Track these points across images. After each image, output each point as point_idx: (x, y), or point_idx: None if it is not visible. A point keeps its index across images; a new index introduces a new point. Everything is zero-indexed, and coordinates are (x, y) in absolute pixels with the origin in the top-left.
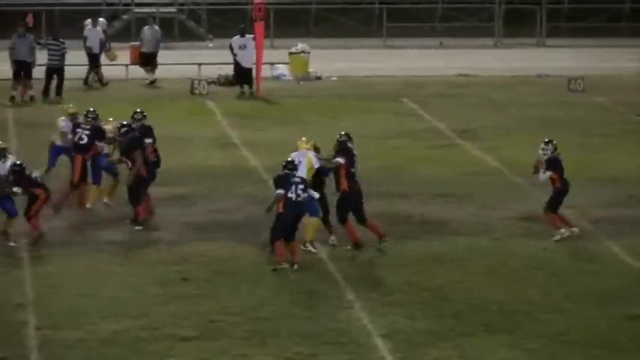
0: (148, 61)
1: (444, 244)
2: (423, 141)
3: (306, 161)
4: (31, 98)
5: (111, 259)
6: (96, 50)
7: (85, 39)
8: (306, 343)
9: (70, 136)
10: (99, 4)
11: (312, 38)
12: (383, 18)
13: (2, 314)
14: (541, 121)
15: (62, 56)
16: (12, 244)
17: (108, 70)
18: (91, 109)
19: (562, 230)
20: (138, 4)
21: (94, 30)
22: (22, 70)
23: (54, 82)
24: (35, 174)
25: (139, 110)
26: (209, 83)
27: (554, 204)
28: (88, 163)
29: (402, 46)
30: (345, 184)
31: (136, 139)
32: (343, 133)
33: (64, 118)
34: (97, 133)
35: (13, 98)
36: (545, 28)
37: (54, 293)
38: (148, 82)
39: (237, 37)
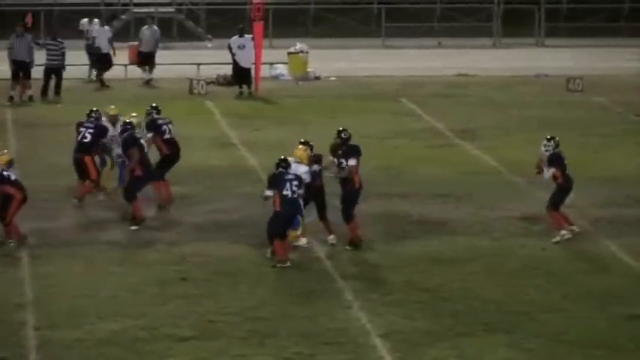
0: (145, 60)
1: (443, 244)
2: (421, 141)
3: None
4: (30, 98)
5: (110, 259)
6: (105, 50)
7: (93, 39)
8: (305, 343)
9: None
10: (98, 4)
11: (311, 38)
12: (382, 18)
13: (1, 314)
14: (540, 121)
15: (62, 56)
16: (12, 244)
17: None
18: (94, 109)
19: (563, 232)
20: (136, 4)
21: (102, 29)
22: (20, 70)
23: (52, 82)
24: (9, 172)
25: (154, 105)
26: (208, 83)
27: (556, 201)
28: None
29: (400, 46)
30: (358, 181)
31: (132, 137)
32: (342, 129)
33: (104, 119)
34: (101, 131)
35: (11, 98)
36: (543, 28)
37: (53, 293)
38: (144, 80)
39: (235, 37)
